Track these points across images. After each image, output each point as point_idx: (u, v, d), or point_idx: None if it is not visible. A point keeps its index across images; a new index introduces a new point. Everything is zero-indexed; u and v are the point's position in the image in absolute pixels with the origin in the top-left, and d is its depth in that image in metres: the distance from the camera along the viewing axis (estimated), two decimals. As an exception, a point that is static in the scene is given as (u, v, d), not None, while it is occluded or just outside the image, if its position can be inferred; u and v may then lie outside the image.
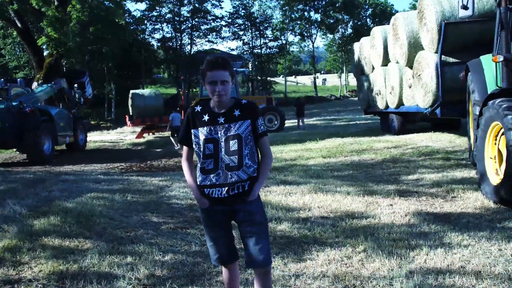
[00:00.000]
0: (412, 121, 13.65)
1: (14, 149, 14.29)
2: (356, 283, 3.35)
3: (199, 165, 2.63)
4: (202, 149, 2.57)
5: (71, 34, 20.79)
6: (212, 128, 2.56)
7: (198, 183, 2.62)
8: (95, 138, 19.86)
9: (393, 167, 8.20)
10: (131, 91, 20.02)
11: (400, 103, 12.49)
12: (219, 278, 3.45)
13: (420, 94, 10.58)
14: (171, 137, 16.13)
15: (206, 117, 2.58)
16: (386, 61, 13.35)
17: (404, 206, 5.39)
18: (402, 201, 5.65)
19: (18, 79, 18.33)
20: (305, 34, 47.48)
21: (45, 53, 23.56)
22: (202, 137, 2.57)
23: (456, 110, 9.56)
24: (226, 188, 2.55)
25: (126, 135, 20.85)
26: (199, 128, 2.58)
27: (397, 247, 4.02)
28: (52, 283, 3.41)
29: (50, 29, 20.39)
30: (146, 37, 42.83)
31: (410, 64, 11.24)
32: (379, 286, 3.26)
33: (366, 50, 15.15)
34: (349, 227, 4.70)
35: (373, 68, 14.73)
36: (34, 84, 17.08)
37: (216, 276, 3.53)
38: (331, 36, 48.37)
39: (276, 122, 18.52)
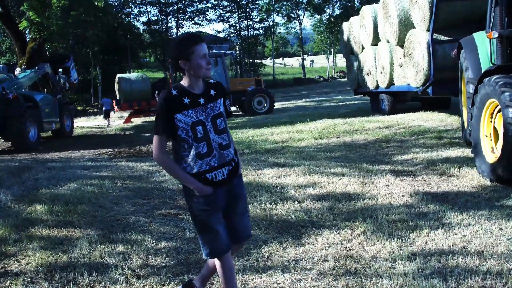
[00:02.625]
0: (402, 101, 13.55)
1: (-2, 137, 13.97)
2: (358, 266, 3.25)
3: (192, 151, 2.47)
4: (192, 133, 2.44)
5: (54, 17, 20.31)
6: (196, 110, 2.46)
7: (196, 170, 2.46)
8: (82, 124, 19.53)
9: (386, 147, 8.12)
10: (118, 75, 19.61)
11: (391, 82, 12.37)
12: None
13: (412, 73, 10.46)
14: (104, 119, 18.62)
15: (186, 100, 2.46)
16: (376, 40, 13.16)
17: (400, 186, 5.31)
18: (398, 181, 5.56)
19: (0, 65, 17.82)
20: (292, 16, 47.00)
21: (27, 38, 23.01)
22: (189, 120, 2.44)
23: (448, 88, 9.47)
24: (227, 168, 2.52)
25: (113, 120, 20.50)
26: (183, 112, 2.43)
27: (396, 228, 3.94)
28: (41, 276, 3.25)
29: (32, 13, 19.86)
30: (131, 20, 42.00)
31: (401, 43, 11.08)
32: (381, 269, 3.16)
33: (356, 29, 14.92)
34: (346, 209, 4.60)
35: (363, 47, 14.54)
36: (17, 70, 16.62)
37: (212, 263, 3.41)
38: (318, 17, 47.87)
39: (265, 104, 18.32)
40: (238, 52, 43.20)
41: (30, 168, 7.62)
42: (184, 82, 2.51)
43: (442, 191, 5.08)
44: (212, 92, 2.55)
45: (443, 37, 9.72)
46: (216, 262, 2.63)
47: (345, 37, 16.44)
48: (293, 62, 77.89)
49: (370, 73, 13.80)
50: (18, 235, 4.01)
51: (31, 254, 3.60)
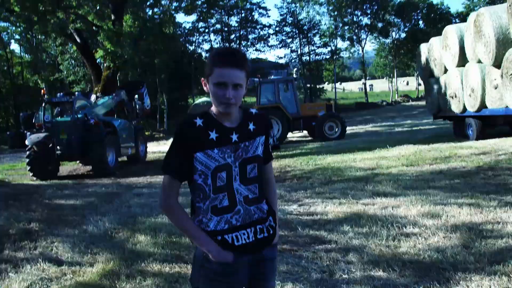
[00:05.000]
0: (492, 125, 12.53)
1: (77, 161, 14.38)
2: (540, 326, 2.64)
3: (207, 203, 1.84)
4: (211, 181, 1.81)
5: (127, 46, 21.09)
6: (224, 150, 1.82)
7: (212, 227, 1.83)
8: (153, 149, 19.85)
9: (495, 176, 7.30)
10: (195, 103, 19.91)
11: (482, 105, 11.46)
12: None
13: (512, 95, 9.59)
14: None
15: (213, 135, 1.82)
16: (463, 61, 12.35)
17: (538, 222, 4.59)
18: (531, 216, 4.83)
19: (76, 93, 18.65)
20: (354, 39, 46.40)
21: (102, 67, 24.10)
22: (212, 164, 1.81)
23: (558, 110, 8.54)
24: (253, 229, 1.86)
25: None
26: (206, 151, 1.80)
27: None
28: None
29: (107, 43, 20.74)
30: (195, 48, 43.25)
31: (497, 63, 10.24)
32: None
33: (437, 51, 14.16)
34: (485, 248, 3.97)
35: (446, 69, 13.73)
36: (93, 97, 17.27)
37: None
38: (384, 40, 46.95)
39: (337, 130, 17.72)
40: (296, 76, 43.10)
41: (118, 194, 7.57)
42: (214, 109, 1.86)
43: None
44: (251, 127, 1.89)
45: (551, 55, 8.84)
46: None
47: (423, 59, 15.68)
48: (351, 86, 76.93)
49: (455, 96, 12.93)
50: (129, 269, 3.75)
51: (148, 293, 3.30)
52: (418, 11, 46.70)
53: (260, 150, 1.91)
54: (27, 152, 12.15)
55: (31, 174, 12.11)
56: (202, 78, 1.87)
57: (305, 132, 19.65)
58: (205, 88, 1.86)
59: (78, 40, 22.33)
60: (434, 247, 4.08)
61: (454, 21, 42.93)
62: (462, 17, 43.96)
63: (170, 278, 3.55)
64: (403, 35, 46.28)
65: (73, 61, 37.09)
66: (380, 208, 5.51)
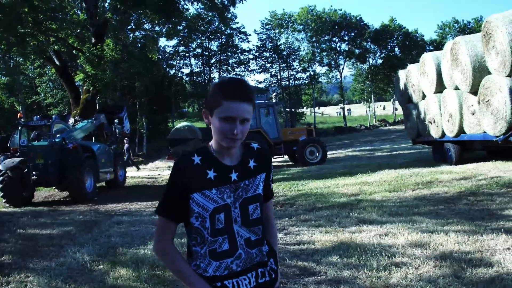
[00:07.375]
0: (471, 150, 12.75)
1: (53, 187, 13.95)
2: None
3: (204, 248, 1.71)
4: (209, 224, 1.68)
5: (108, 70, 20.95)
6: (223, 190, 1.70)
7: (211, 273, 1.69)
8: (132, 174, 19.48)
9: (478, 201, 7.35)
10: (176, 127, 19.72)
11: (461, 131, 11.66)
12: None
13: (490, 121, 9.76)
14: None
15: (212, 174, 1.70)
16: (440, 87, 12.61)
17: (527, 250, 4.57)
18: (519, 243, 4.83)
19: (53, 116, 18.27)
20: (332, 65, 47.28)
21: (80, 90, 23.80)
22: (210, 205, 1.68)
23: (535, 136, 8.72)
24: (255, 274, 1.73)
25: (163, 170, 20.43)
26: (204, 191, 1.68)
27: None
28: None
29: (88, 66, 20.55)
30: (175, 71, 43.33)
31: (474, 89, 10.47)
32: None
33: (415, 77, 14.45)
34: (476, 278, 3.91)
35: (424, 95, 13.99)
36: (71, 120, 16.96)
37: None
38: (361, 65, 48.02)
39: (317, 154, 17.73)
40: (276, 100, 43.45)
41: (97, 222, 7.31)
42: (213, 144, 1.75)
43: None
44: (252, 164, 1.77)
45: (527, 83, 9.08)
46: None
47: (401, 85, 15.96)
48: (329, 111, 78.00)
49: (434, 122, 13.14)
50: (111, 305, 3.54)
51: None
52: (394, 38, 48.03)
53: (261, 188, 1.78)
54: (0, 178, 11.71)
55: (4, 200, 11.64)
56: (203, 110, 1.74)
57: (286, 157, 19.63)
58: (205, 120, 1.74)
59: (57, 62, 22.09)
60: (426, 277, 4.01)
61: (427, 48, 44.33)
62: (436, 44, 45.42)
63: (154, 315, 3.37)
64: (379, 61, 47.44)
65: (51, 84, 36.59)
66: (368, 237, 5.44)
